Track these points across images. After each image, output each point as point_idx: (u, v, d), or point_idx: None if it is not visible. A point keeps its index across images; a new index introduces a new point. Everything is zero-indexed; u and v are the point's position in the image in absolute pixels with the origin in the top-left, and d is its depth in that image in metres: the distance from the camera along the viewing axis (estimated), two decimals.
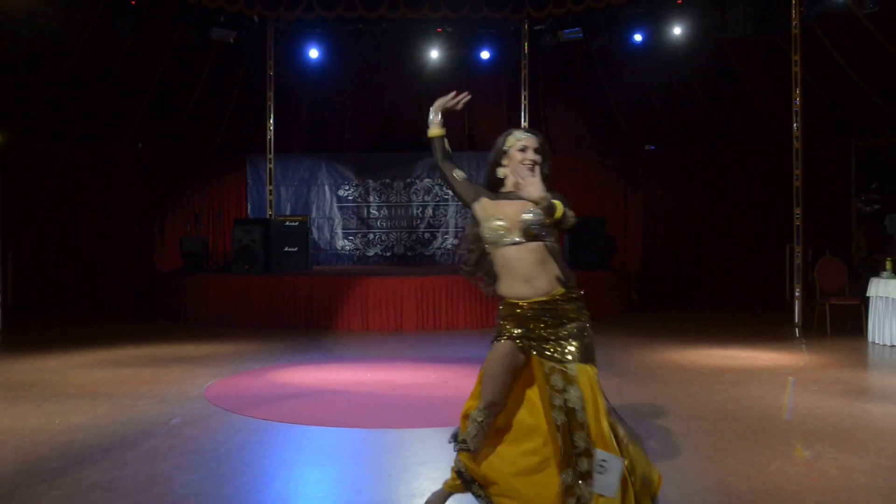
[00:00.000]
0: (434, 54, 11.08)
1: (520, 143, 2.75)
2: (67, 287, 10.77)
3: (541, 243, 2.67)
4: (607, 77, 11.88)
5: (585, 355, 2.61)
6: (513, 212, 2.68)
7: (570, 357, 2.58)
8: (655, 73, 11.36)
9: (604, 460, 2.44)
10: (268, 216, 10.78)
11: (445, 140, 2.93)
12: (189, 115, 11.81)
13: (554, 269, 2.67)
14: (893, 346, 7.11)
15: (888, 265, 7.44)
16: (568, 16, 10.18)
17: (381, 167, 12.21)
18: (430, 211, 12.25)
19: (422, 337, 8.25)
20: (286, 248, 10.29)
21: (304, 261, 10.41)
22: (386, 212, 12.23)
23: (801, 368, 6.12)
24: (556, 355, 2.59)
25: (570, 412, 2.52)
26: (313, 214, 11.97)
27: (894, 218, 9.64)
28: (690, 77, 11.14)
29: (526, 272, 2.65)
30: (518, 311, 2.66)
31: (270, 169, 10.95)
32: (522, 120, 11.03)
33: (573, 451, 2.49)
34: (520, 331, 2.65)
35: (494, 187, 2.82)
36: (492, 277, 2.81)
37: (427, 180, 12.28)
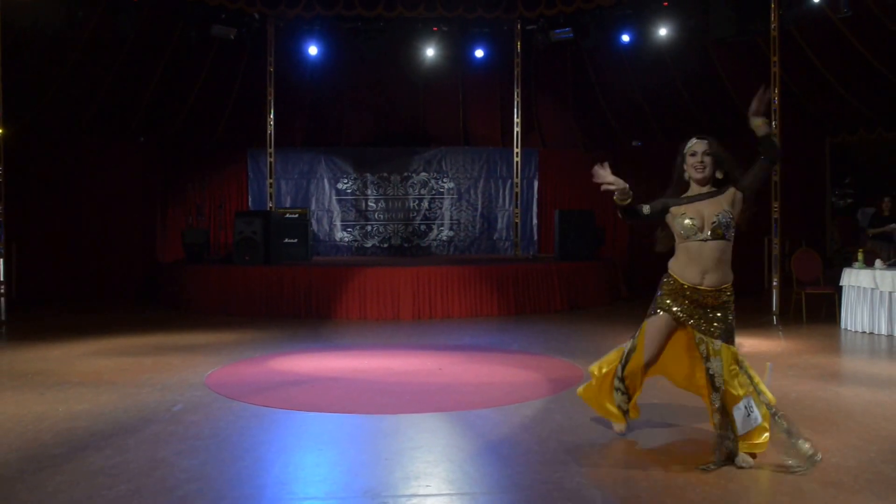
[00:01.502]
0: (430, 52, 11.24)
1: (689, 149, 3.38)
2: (71, 277, 10.82)
3: (724, 242, 3.30)
4: (596, 76, 12.10)
5: (726, 336, 3.35)
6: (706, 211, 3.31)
7: (716, 334, 3.33)
8: (642, 73, 11.59)
9: (747, 406, 3.27)
10: (268, 208, 10.92)
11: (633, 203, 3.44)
12: (190, 110, 11.90)
13: (726, 268, 3.36)
14: (865, 332, 7.28)
15: (860, 256, 7.67)
16: (559, 16, 10.40)
17: (378, 161, 12.34)
18: (426, 204, 12.43)
19: (418, 326, 8.29)
20: (286, 240, 10.36)
21: (304, 252, 10.47)
22: (383, 204, 12.38)
23: (778, 354, 6.25)
24: (704, 330, 3.34)
25: (710, 377, 3.30)
26: (313, 207, 12.08)
27: (866, 212, 9.89)
28: (675, 76, 11.36)
29: (705, 265, 3.33)
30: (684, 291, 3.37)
31: (271, 163, 11.12)
32: (515, 116, 11.27)
33: (712, 407, 3.31)
34: (678, 308, 3.38)
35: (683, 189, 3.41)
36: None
37: (423, 174, 12.43)
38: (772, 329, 7.77)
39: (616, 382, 3.67)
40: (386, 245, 12.33)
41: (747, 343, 6.83)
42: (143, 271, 11.53)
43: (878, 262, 7.57)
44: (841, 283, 7.69)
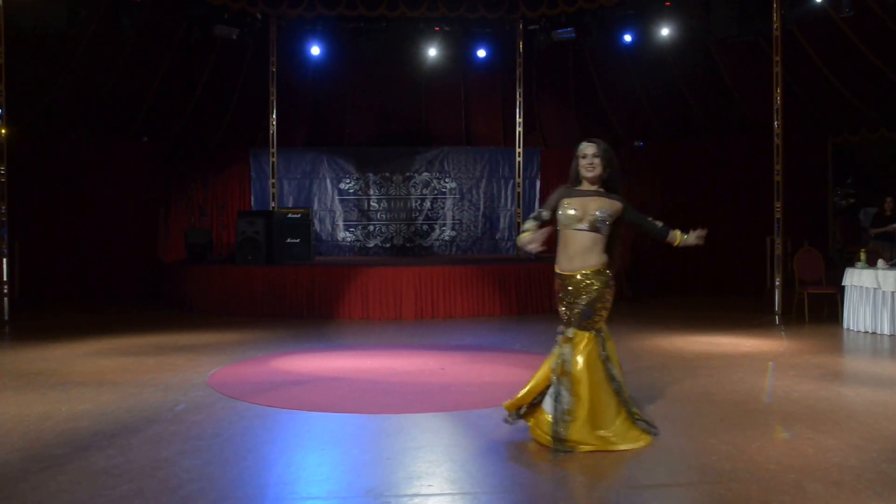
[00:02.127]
0: (432, 52, 11.25)
1: (581, 151, 3.67)
2: (73, 277, 10.84)
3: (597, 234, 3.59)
4: (598, 75, 12.08)
5: (579, 321, 3.59)
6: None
7: (573, 321, 3.62)
8: (644, 72, 11.59)
9: (559, 393, 3.53)
10: (271, 208, 10.95)
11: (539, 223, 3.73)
12: (193, 110, 11.91)
13: (590, 255, 3.61)
14: (867, 332, 7.31)
15: (862, 256, 7.66)
16: (561, 16, 10.40)
17: (380, 161, 12.35)
18: (428, 204, 12.43)
19: (420, 325, 8.31)
20: (289, 240, 10.34)
21: (306, 252, 10.47)
22: (385, 204, 12.39)
23: (780, 354, 6.26)
24: (568, 318, 3.66)
25: (561, 363, 3.57)
26: (315, 207, 12.09)
27: (869, 212, 9.89)
28: (677, 76, 11.35)
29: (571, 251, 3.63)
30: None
31: (273, 162, 11.14)
32: (517, 116, 11.28)
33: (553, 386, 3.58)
34: (562, 302, 3.70)
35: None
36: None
37: (425, 174, 12.44)
38: (774, 329, 7.79)
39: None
40: (388, 245, 12.34)
41: (749, 342, 6.86)
42: (145, 271, 11.55)
43: (880, 262, 7.57)
44: (843, 283, 7.70)
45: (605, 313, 3.64)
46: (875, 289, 7.34)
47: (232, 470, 3.34)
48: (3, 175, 8.49)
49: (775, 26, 8.81)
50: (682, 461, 3.43)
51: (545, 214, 3.69)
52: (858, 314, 7.49)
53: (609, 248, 3.64)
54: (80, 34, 9.69)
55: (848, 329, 7.54)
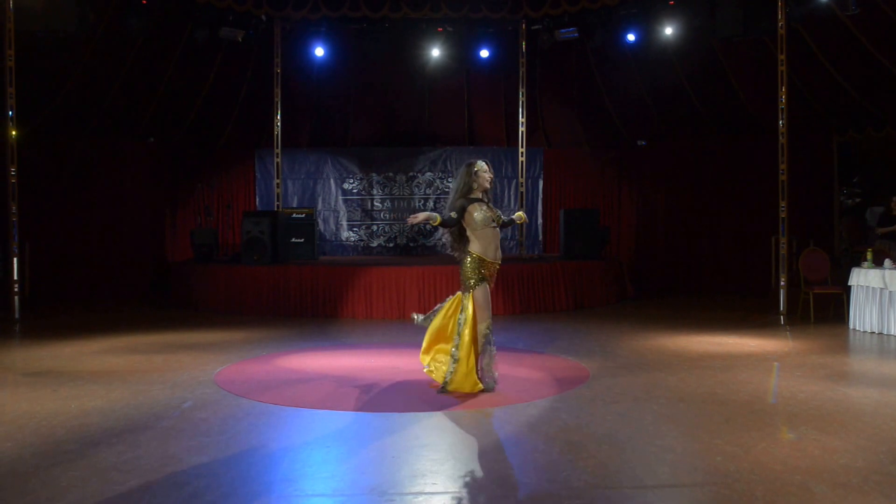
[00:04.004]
0: (435, 53, 11.25)
1: (482, 168, 4.86)
2: (82, 277, 10.93)
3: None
4: (602, 75, 12.08)
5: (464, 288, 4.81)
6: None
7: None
8: (648, 72, 11.56)
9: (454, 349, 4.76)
10: (275, 208, 11.00)
11: (443, 220, 4.77)
12: (199, 111, 11.98)
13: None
14: (873, 332, 7.26)
15: (868, 256, 7.63)
16: (564, 16, 10.38)
17: (384, 161, 12.37)
18: (431, 203, 12.40)
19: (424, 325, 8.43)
20: (293, 240, 10.42)
21: (311, 251, 10.52)
22: (389, 204, 12.40)
23: (785, 354, 6.24)
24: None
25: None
26: (319, 207, 12.12)
27: (875, 211, 9.84)
28: (681, 75, 11.32)
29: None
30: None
31: (278, 163, 11.20)
32: (520, 116, 11.28)
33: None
34: (487, 276, 4.84)
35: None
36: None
37: (428, 174, 12.45)
38: (779, 329, 7.76)
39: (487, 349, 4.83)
40: (392, 245, 12.37)
41: (754, 342, 6.84)
42: (153, 271, 11.63)
43: (887, 262, 7.52)
44: (849, 283, 7.65)
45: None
46: (882, 289, 7.30)
47: (238, 466, 3.37)
48: (13, 176, 8.57)
49: (780, 25, 8.78)
50: (687, 462, 3.42)
51: (454, 214, 4.76)
52: (865, 314, 7.45)
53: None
54: (89, 36, 9.75)
55: (854, 329, 7.49)
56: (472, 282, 4.75)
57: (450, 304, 5.00)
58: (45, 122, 10.60)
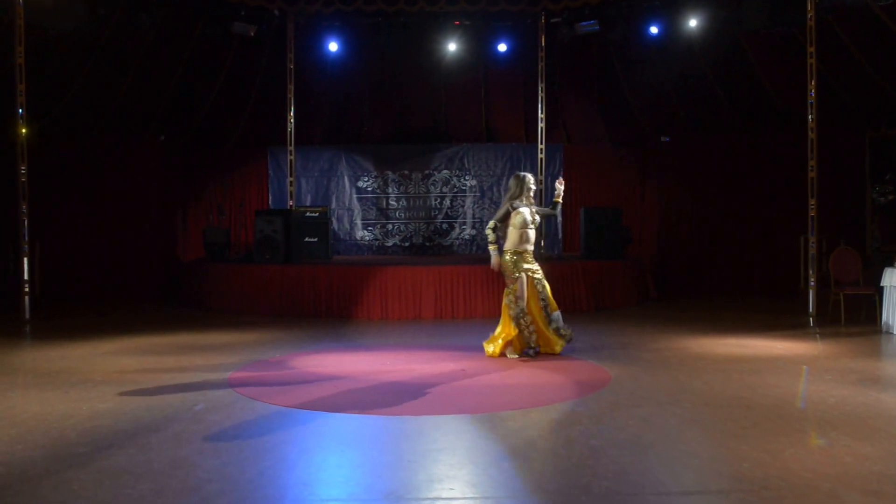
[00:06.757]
0: (452, 47, 11.14)
1: (531, 182, 6.22)
2: (93, 276, 10.96)
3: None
4: (623, 69, 11.89)
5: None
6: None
7: (538, 275, 6.21)
8: (671, 65, 11.39)
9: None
10: (289, 207, 10.94)
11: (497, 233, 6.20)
12: (211, 108, 11.96)
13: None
14: None
15: None
16: (584, 8, 10.23)
17: (399, 159, 12.29)
18: (447, 202, 12.34)
19: (440, 326, 8.27)
20: (307, 239, 10.40)
21: (325, 251, 10.52)
22: (404, 203, 12.33)
23: (815, 357, 6.14)
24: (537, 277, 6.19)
25: (545, 301, 6.19)
26: (333, 205, 12.08)
27: None
28: (706, 69, 11.14)
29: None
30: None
31: (291, 161, 11.12)
32: (539, 112, 11.09)
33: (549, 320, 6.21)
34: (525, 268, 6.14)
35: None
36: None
37: (445, 172, 12.35)
38: (808, 331, 7.65)
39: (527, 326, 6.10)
40: (407, 244, 12.28)
41: (782, 345, 6.76)
42: (164, 270, 11.61)
43: None
44: (882, 284, 7.47)
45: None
46: None
47: (251, 470, 3.34)
48: (23, 174, 8.56)
49: (809, 16, 8.58)
50: (713, 468, 3.37)
51: (496, 224, 6.19)
52: None
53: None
54: (99, 33, 9.80)
55: (886, 332, 7.30)
56: (515, 275, 6.04)
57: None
58: (55, 121, 10.63)
